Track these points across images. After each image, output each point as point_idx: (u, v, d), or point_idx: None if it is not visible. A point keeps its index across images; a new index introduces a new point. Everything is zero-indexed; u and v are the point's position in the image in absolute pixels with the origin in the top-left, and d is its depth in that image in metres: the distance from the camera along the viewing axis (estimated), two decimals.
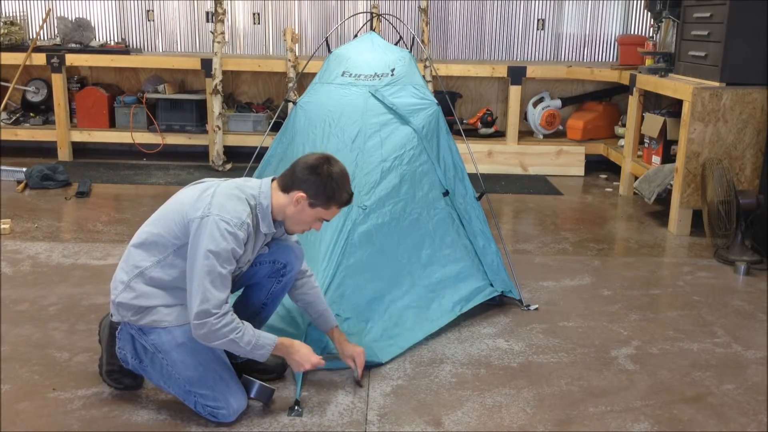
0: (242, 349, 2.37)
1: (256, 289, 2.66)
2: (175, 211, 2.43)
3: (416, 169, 3.24)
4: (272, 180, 2.51)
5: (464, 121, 6.74)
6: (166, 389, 2.53)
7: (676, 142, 4.88)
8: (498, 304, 3.45)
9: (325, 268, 2.97)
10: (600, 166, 6.53)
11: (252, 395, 2.50)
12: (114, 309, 2.49)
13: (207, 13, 6.87)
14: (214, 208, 2.34)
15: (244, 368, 2.64)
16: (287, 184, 2.45)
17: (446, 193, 3.31)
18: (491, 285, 3.35)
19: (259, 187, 2.47)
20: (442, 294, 3.19)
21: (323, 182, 2.41)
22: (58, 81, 6.32)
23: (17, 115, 6.61)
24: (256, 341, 2.38)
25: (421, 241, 3.21)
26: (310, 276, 2.73)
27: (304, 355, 2.51)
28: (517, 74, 6.35)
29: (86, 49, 6.45)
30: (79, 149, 6.65)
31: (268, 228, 2.47)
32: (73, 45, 6.46)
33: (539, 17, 6.92)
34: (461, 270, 3.28)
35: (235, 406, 2.43)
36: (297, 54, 6.37)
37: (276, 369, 2.75)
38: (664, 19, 5.53)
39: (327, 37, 3.79)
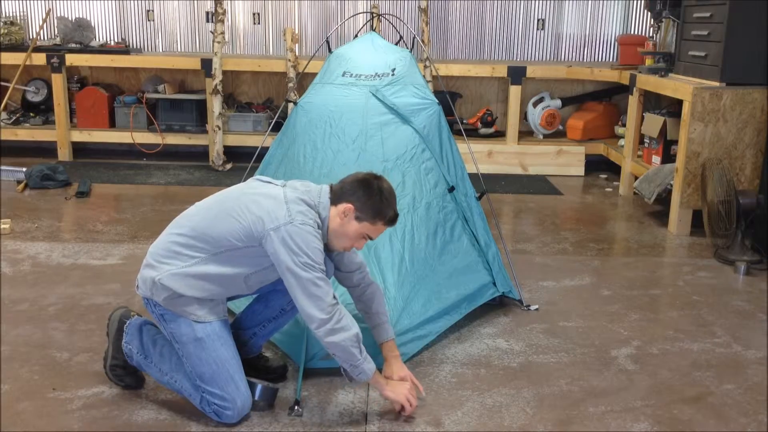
0: (358, 356, 2.37)
1: (278, 294, 2.64)
2: (240, 215, 2.37)
3: (420, 166, 3.24)
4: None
5: (464, 121, 6.74)
6: (171, 386, 2.53)
7: (676, 142, 4.88)
8: (498, 304, 3.45)
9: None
10: (600, 166, 6.53)
11: (256, 397, 2.51)
12: (148, 284, 2.44)
13: (207, 13, 6.87)
14: (295, 215, 2.33)
15: (246, 368, 2.64)
16: (336, 195, 2.44)
17: (451, 189, 3.31)
18: (494, 284, 3.35)
19: (319, 195, 2.44)
20: (456, 285, 3.18)
21: (372, 195, 2.40)
22: (58, 81, 6.32)
23: (17, 115, 6.62)
24: (367, 356, 2.41)
25: (435, 228, 3.21)
26: (365, 278, 2.66)
27: (402, 391, 2.48)
28: (517, 74, 6.35)
29: (86, 49, 6.45)
30: (79, 149, 6.65)
31: (322, 239, 2.43)
32: (73, 45, 6.46)
33: (539, 17, 6.92)
34: (469, 263, 3.28)
35: (241, 407, 2.43)
36: (297, 54, 6.37)
37: (278, 370, 2.75)
38: (664, 19, 5.53)
39: (327, 38, 3.79)
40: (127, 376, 2.64)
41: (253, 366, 2.71)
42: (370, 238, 2.49)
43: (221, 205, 2.45)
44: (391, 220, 2.46)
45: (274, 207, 2.35)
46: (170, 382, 2.52)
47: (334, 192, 2.46)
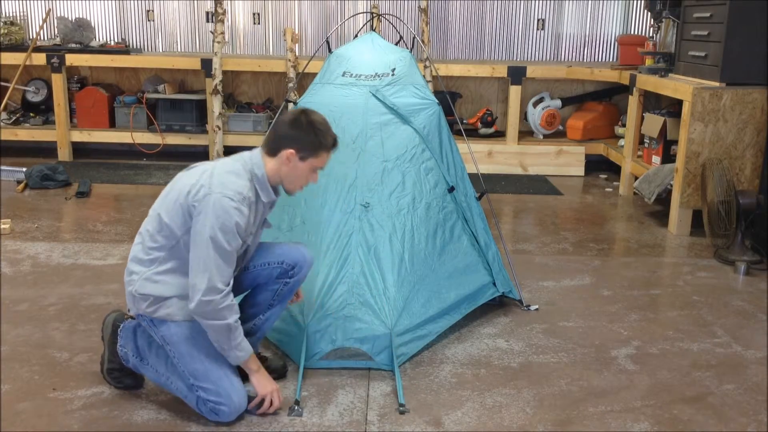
0: (230, 342, 2.40)
1: (263, 290, 2.66)
2: (176, 200, 2.44)
3: (420, 166, 3.24)
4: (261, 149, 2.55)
5: (464, 121, 6.74)
6: (167, 387, 2.53)
7: (676, 142, 4.88)
8: (498, 304, 3.45)
9: (333, 261, 2.97)
10: (600, 166, 6.53)
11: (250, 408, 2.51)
12: (131, 300, 2.51)
13: (207, 13, 6.87)
14: (215, 186, 2.38)
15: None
16: (273, 147, 2.50)
17: (451, 189, 3.30)
18: (494, 284, 3.35)
19: (251, 158, 2.51)
20: (456, 285, 3.18)
21: (306, 132, 2.48)
22: (58, 81, 6.32)
23: (17, 115, 6.61)
24: (243, 341, 2.43)
25: (435, 229, 3.21)
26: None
27: (267, 385, 2.50)
28: (517, 74, 6.35)
29: (86, 49, 6.45)
30: (79, 149, 6.65)
31: (268, 197, 2.53)
32: (73, 45, 6.46)
33: (539, 17, 6.92)
34: (469, 264, 3.28)
35: (237, 403, 2.43)
36: (297, 54, 6.37)
37: (278, 369, 2.75)
38: (664, 19, 5.53)
39: (327, 38, 3.79)
40: (125, 377, 2.65)
41: None
42: (321, 168, 2.57)
43: (163, 200, 2.52)
44: (333, 145, 2.55)
45: (197, 182, 2.42)
46: (166, 383, 2.53)
47: (269, 144, 2.51)
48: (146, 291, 2.45)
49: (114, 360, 2.63)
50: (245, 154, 2.55)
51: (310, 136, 2.47)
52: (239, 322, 2.41)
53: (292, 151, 2.47)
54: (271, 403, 2.49)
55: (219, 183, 2.39)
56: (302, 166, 2.50)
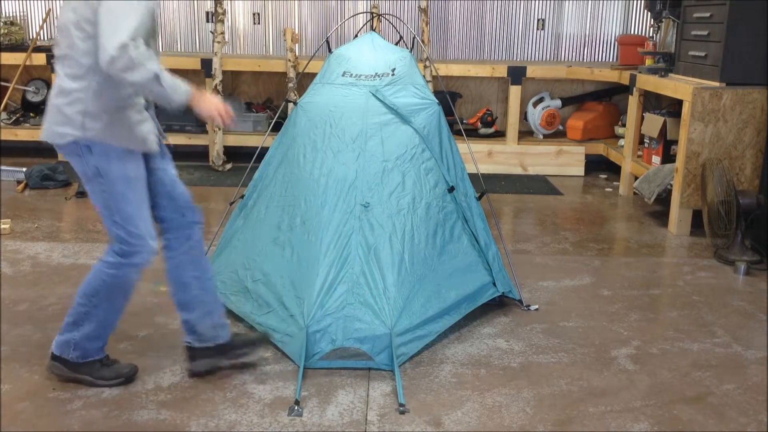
0: (164, 90, 2.32)
1: (181, 269, 2.66)
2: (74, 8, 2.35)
3: (420, 166, 3.24)
4: None
5: (464, 121, 6.74)
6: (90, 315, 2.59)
7: (676, 142, 4.88)
8: (498, 304, 3.45)
9: (334, 261, 2.98)
10: (600, 166, 6.53)
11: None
12: (77, 123, 2.42)
13: (207, 13, 6.87)
14: None
15: (221, 356, 2.72)
16: None
17: (451, 189, 3.31)
18: (494, 284, 3.35)
19: None
20: (456, 285, 3.18)
21: None
22: None
23: (17, 115, 6.62)
24: (177, 82, 2.36)
25: (435, 229, 3.21)
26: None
27: (212, 103, 2.50)
28: (517, 74, 6.35)
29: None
30: None
31: None
32: None
33: (539, 17, 6.92)
34: (470, 264, 3.28)
35: (152, 248, 2.52)
36: (297, 54, 6.37)
37: (256, 340, 2.85)
38: (664, 19, 5.53)
39: (327, 38, 3.79)
40: (96, 371, 2.67)
41: (229, 350, 2.76)
42: None
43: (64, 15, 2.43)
44: None
45: None
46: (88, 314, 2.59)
47: None
48: (97, 105, 2.39)
49: (80, 370, 2.67)
50: None
51: None
52: (160, 68, 2.31)
53: None
54: (222, 119, 2.51)
55: None
56: None
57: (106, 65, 2.25)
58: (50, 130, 2.46)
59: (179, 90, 2.37)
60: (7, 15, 6.73)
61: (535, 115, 6.66)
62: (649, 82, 5.29)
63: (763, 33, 4.42)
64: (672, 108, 5.22)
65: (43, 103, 6.67)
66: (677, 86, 4.74)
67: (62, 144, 2.46)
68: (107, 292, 2.55)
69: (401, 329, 2.88)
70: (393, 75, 3.40)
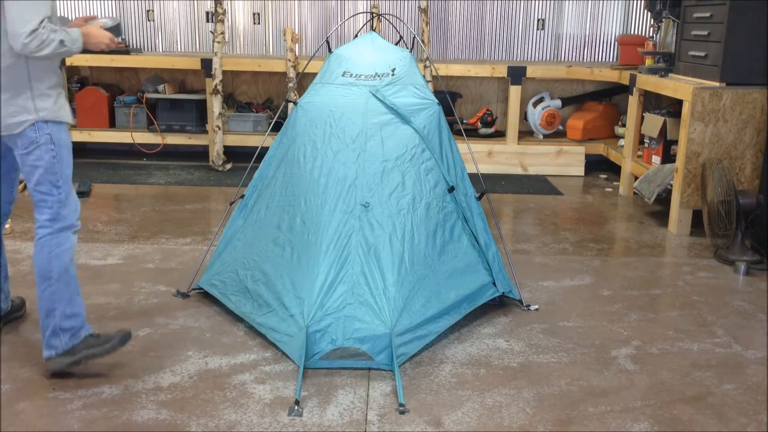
0: (68, 48, 2.66)
1: None
2: None
3: (420, 166, 3.24)
4: None
5: (464, 121, 6.74)
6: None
7: (676, 142, 4.88)
8: (498, 304, 3.45)
9: (333, 262, 2.98)
10: (600, 166, 6.53)
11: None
12: (18, 121, 2.63)
13: (207, 13, 6.87)
14: None
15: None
16: None
17: (451, 189, 3.31)
18: (494, 284, 3.35)
19: None
20: (456, 285, 3.18)
21: None
22: None
23: None
24: (73, 36, 2.70)
25: (435, 229, 3.21)
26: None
27: (98, 36, 2.84)
28: (517, 74, 6.35)
29: (86, 49, 6.43)
30: (79, 149, 6.61)
31: None
32: None
33: (539, 17, 6.92)
34: (469, 263, 3.28)
35: (76, 205, 2.76)
36: (297, 54, 6.37)
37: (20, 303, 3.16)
38: (664, 19, 5.53)
39: (327, 38, 3.79)
40: (94, 344, 2.73)
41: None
42: None
43: None
44: None
45: None
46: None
47: None
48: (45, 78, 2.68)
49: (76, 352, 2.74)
50: None
51: None
52: (64, 31, 2.66)
53: None
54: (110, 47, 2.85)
55: None
56: None
57: (19, 49, 2.55)
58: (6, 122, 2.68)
59: (77, 41, 2.72)
60: None
61: (535, 115, 6.66)
62: (649, 82, 5.29)
63: (763, 33, 4.42)
64: (672, 108, 5.22)
65: None
66: (677, 86, 4.74)
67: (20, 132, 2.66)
68: (59, 264, 2.68)
69: (401, 329, 2.88)
70: (393, 75, 3.40)
